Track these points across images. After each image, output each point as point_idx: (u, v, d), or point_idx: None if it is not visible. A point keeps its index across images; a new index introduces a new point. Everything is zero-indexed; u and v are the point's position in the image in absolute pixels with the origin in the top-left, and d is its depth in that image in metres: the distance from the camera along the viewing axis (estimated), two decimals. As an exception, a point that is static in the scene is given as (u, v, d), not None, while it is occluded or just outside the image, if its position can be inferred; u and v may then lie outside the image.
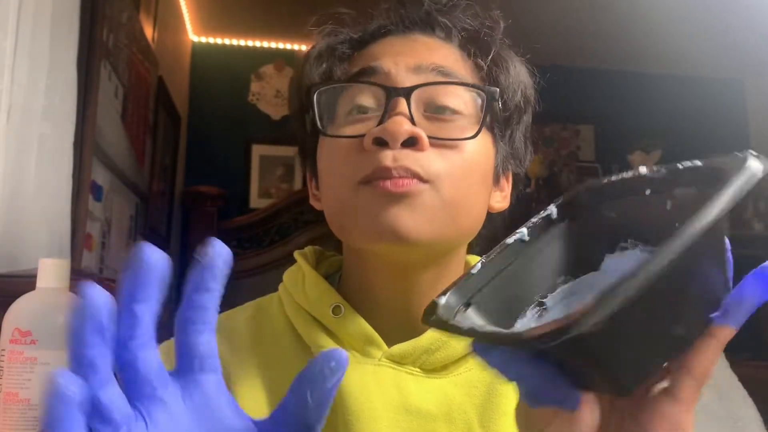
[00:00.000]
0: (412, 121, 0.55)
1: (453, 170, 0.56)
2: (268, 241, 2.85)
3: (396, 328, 0.60)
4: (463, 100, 0.58)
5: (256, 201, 3.13)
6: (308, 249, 0.69)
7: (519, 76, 0.63)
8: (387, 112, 0.55)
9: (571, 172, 3.40)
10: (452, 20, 0.62)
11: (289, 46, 3.24)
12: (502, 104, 0.61)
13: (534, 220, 0.46)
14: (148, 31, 2.18)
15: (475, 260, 0.68)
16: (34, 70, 1.09)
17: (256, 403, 0.58)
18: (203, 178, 2.98)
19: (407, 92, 0.56)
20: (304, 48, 0.66)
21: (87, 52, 1.39)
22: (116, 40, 1.73)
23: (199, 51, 3.22)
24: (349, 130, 0.58)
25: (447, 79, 0.58)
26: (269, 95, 3.21)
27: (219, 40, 3.24)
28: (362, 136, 0.56)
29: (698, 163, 0.41)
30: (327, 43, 0.63)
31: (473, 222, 0.61)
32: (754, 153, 0.38)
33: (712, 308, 0.38)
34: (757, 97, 3.50)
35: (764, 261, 0.37)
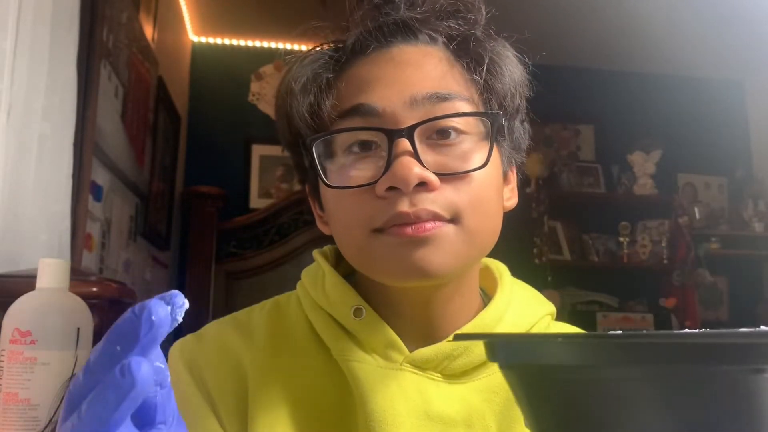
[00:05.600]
0: (418, 158, 0.53)
1: (471, 201, 0.55)
2: (268, 241, 2.85)
3: (416, 333, 0.60)
4: (464, 120, 0.56)
5: (256, 201, 3.13)
6: (328, 248, 0.68)
7: (513, 75, 0.61)
8: (391, 153, 0.54)
9: (571, 172, 3.40)
10: (434, 27, 0.59)
11: (289, 46, 3.24)
12: (501, 112, 0.60)
13: None
14: (148, 31, 2.18)
15: (491, 262, 0.68)
16: (34, 70, 1.09)
17: (272, 401, 0.57)
18: (203, 178, 2.98)
19: (409, 133, 0.54)
20: (304, 48, 0.64)
21: (87, 52, 1.39)
22: (116, 40, 1.73)
23: (199, 51, 3.22)
24: (355, 174, 0.56)
25: (444, 103, 0.56)
26: (269, 95, 3.21)
27: (219, 40, 3.24)
28: (371, 184, 0.54)
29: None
30: (311, 71, 0.60)
31: (494, 236, 0.60)
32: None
33: None
34: (757, 98, 3.50)
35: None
